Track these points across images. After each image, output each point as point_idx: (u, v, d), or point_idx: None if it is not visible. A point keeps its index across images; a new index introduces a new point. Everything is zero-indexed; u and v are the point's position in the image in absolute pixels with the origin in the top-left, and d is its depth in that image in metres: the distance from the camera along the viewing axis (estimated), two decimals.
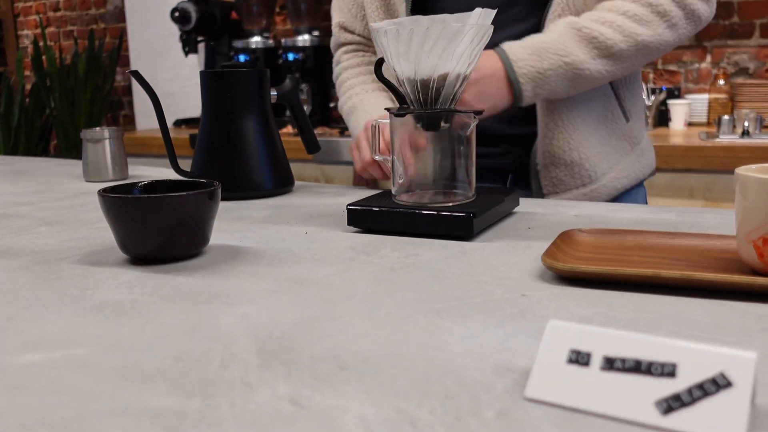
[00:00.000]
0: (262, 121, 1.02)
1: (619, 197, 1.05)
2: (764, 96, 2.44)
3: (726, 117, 2.21)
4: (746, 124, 2.12)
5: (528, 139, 1.03)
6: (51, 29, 4.04)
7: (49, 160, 1.56)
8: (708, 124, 2.54)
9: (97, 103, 3.67)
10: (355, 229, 0.76)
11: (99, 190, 0.64)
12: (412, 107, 0.74)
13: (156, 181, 0.70)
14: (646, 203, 1.13)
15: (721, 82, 2.59)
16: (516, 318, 0.47)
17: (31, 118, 3.74)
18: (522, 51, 0.90)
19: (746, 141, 2.00)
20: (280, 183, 1.02)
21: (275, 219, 0.84)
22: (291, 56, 2.88)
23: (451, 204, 0.72)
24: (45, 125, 3.83)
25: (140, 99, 3.63)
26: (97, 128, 1.18)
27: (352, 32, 1.18)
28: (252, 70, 1.01)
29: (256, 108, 1.01)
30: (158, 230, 0.62)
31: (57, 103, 3.62)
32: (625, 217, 0.79)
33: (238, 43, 3.01)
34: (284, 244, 0.70)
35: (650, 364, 0.33)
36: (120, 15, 3.80)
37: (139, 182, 0.70)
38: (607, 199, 1.03)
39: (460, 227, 0.70)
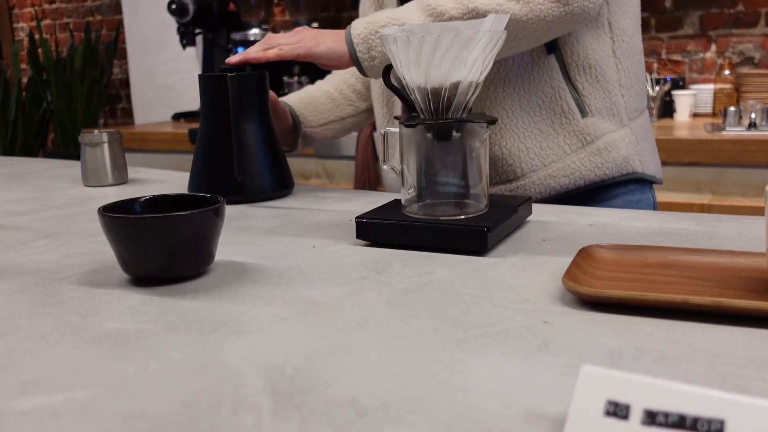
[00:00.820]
0: (262, 124, 0.99)
1: (590, 199, 1.01)
2: None
3: (732, 108, 2.18)
4: (753, 115, 2.09)
5: None
6: (47, 21, 3.99)
7: (47, 161, 1.53)
8: (713, 114, 2.52)
9: (94, 96, 3.63)
10: (364, 242, 0.73)
11: (99, 209, 0.61)
12: (422, 116, 0.71)
13: (157, 196, 0.68)
14: (655, 207, 1.10)
15: (727, 72, 2.56)
16: (540, 350, 0.45)
17: (28, 113, 3.71)
18: (362, 20, 0.92)
19: (754, 133, 1.98)
20: (281, 186, 1.00)
21: (280, 230, 0.81)
22: None
23: (463, 217, 0.70)
24: (42, 119, 3.80)
25: (138, 92, 3.59)
26: (96, 131, 1.15)
27: None
28: (252, 73, 0.98)
29: (256, 111, 0.99)
30: (161, 251, 0.60)
31: (54, 97, 3.58)
32: (641, 227, 0.77)
33: (236, 36, 2.97)
34: (291, 260, 0.68)
35: (696, 420, 0.31)
36: (116, 7, 3.76)
37: (140, 198, 0.67)
38: (539, 198, 1.00)
39: (473, 242, 0.67)
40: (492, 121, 0.68)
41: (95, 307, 0.56)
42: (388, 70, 0.75)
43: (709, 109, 2.53)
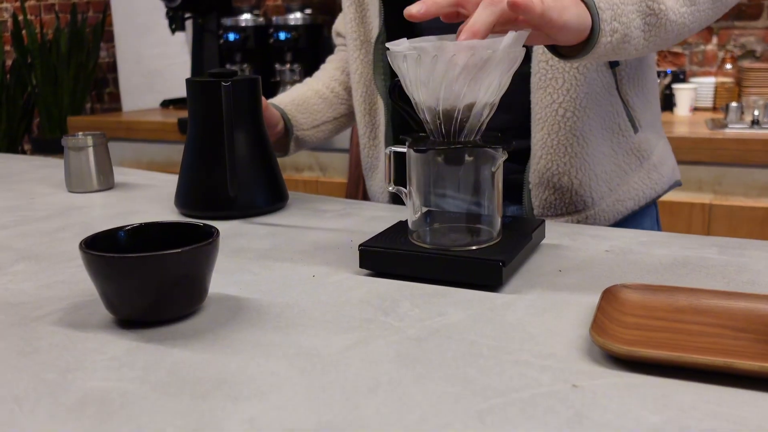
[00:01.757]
0: (255, 133, 0.94)
1: (624, 221, 0.96)
2: None
3: (734, 104, 2.14)
4: (756, 112, 2.05)
5: (522, 155, 0.94)
6: (31, 2, 3.88)
7: (29, 159, 1.47)
8: (714, 109, 2.47)
9: (80, 80, 3.54)
10: (368, 271, 0.68)
11: (81, 244, 0.56)
12: (432, 137, 0.66)
13: (144, 224, 0.62)
14: (658, 224, 1.05)
15: (728, 66, 2.51)
16: (572, 426, 0.40)
17: (13, 96, 3.61)
18: None
19: (757, 132, 1.93)
20: (276, 200, 0.95)
21: (277, 253, 0.76)
22: (282, 35, 2.77)
23: (475, 247, 0.65)
24: (27, 103, 3.70)
25: (125, 76, 3.50)
26: (80, 134, 1.09)
27: (343, 36, 1.15)
28: (245, 78, 0.92)
29: (249, 120, 0.93)
30: (149, 292, 0.54)
31: (39, 81, 3.49)
32: (662, 255, 0.72)
33: (227, 21, 2.89)
34: (290, 295, 0.63)
35: None
36: None
37: (125, 226, 0.62)
38: (607, 224, 0.94)
39: (487, 276, 0.62)
40: (508, 146, 0.63)
41: (77, 358, 0.51)
42: (394, 87, 0.70)
43: (709, 104, 2.49)
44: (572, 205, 0.92)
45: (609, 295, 0.57)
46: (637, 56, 0.79)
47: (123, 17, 3.45)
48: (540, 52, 0.86)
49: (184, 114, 2.78)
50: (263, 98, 0.99)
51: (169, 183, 1.17)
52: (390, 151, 0.70)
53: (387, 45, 0.63)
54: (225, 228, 0.87)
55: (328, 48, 2.77)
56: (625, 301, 0.57)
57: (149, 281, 0.54)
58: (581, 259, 0.71)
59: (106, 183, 1.11)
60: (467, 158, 0.65)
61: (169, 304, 0.56)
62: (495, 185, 0.66)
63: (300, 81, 2.82)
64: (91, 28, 3.62)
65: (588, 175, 0.91)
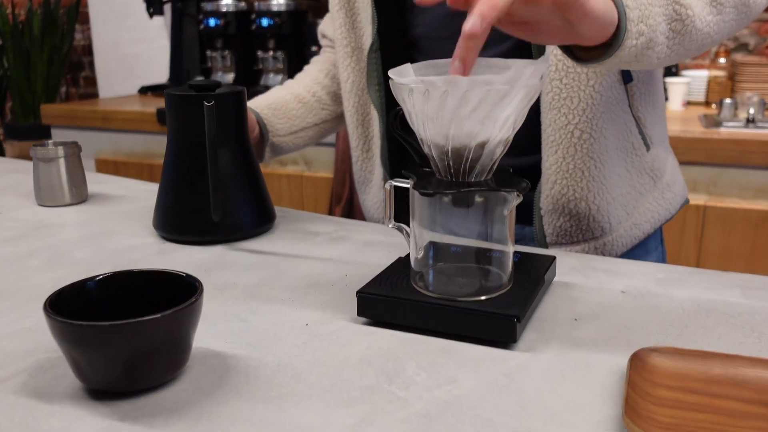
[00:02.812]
0: (240, 150, 0.87)
1: (637, 245, 0.91)
2: (766, 77, 2.32)
3: (728, 100, 2.10)
4: (751, 111, 2.01)
5: (531, 173, 0.88)
6: None
7: None
8: (707, 104, 2.43)
9: (54, 64, 3.42)
10: (366, 320, 0.63)
11: (45, 304, 0.49)
12: (438, 174, 0.60)
13: (118, 273, 0.56)
14: (662, 245, 0.99)
15: (722, 60, 2.47)
16: None
17: None
18: None
19: (753, 131, 1.89)
20: (262, 222, 0.88)
21: (266, 290, 0.70)
22: (265, 21, 2.67)
23: (485, 297, 0.59)
24: (0, 87, 3.58)
25: (102, 60, 3.39)
26: (50, 144, 1.01)
27: (331, 39, 1.09)
28: (228, 93, 0.85)
29: (233, 137, 0.86)
30: (125, 361, 0.48)
31: (11, 64, 3.36)
32: (682, 298, 0.67)
33: (207, 6, 2.79)
34: (282, 351, 0.57)
35: None
36: None
37: (95, 276, 0.55)
38: (622, 252, 0.89)
39: (500, 332, 0.57)
40: (523, 190, 0.57)
41: None
42: (395, 116, 0.64)
43: (702, 98, 2.44)
44: (589, 232, 0.86)
45: (637, 363, 0.51)
46: (655, 66, 0.72)
47: None
48: (552, 70, 0.80)
49: (162, 102, 2.69)
50: None
51: (145, 194, 1.10)
52: (390, 186, 0.64)
53: (390, 75, 0.57)
54: (208, 255, 0.80)
55: (312, 35, 2.69)
56: (654, 368, 0.51)
57: (124, 350, 0.48)
58: (596, 304, 0.66)
59: (79, 196, 1.03)
60: (477, 199, 0.59)
61: (147, 373, 0.50)
62: (507, 228, 0.60)
63: (283, 69, 2.75)
64: (66, 10, 3.49)
65: (606, 200, 0.86)
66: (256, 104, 1.03)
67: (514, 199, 0.58)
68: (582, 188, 0.84)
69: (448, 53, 0.91)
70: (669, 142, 0.99)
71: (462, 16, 0.90)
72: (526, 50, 0.82)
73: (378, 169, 0.99)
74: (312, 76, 1.10)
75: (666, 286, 0.70)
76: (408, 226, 0.64)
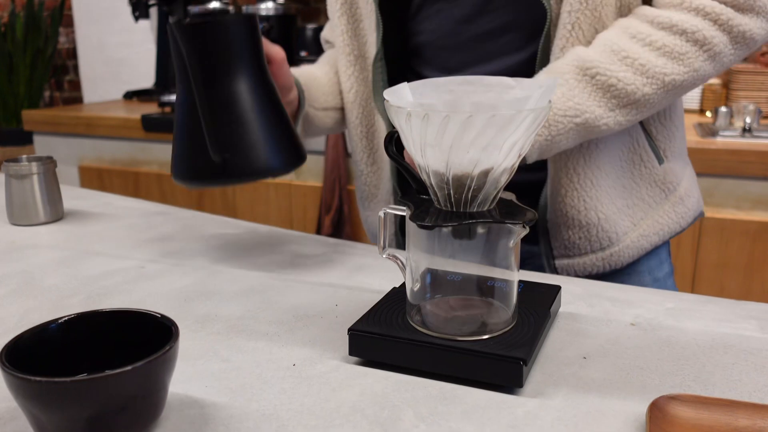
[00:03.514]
0: (257, 80, 0.76)
1: (640, 258, 0.88)
2: (761, 85, 2.30)
3: (723, 108, 2.06)
4: (747, 119, 1.98)
5: (533, 188, 0.86)
6: None
7: None
8: (701, 111, 2.40)
9: (38, 68, 3.35)
10: (358, 359, 0.58)
11: (0, 354, 0.44)
12: (437, 204, 0.55)
13: (84, 314, 0.51)
14: (669, 259, 0.96)
15: None
16: None
17: None
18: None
19: (749, 141, 1.86)
20: (291, 159, 0.77)
21: (250, 323, 0.65)
22: None
23: (487, 336, 0.55)
24: None
25: (87, 64, 3.32)
26: (24, 160, 0.96)
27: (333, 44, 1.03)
28: (237, 16, 0.75)
29: (248, 65, 0.75)
30: (90, 420, 0.43)
31: None
32: (696, 332, 0.63)
33: (194, 9, 2.73)
34: (267, 397, 0.52)
35: None
36: None
37: (59, 319, 0.50)
38: (628, 263, 0.87)
39: (505, 377, 0.52)
40: (529, 222, 0.52)
41: None
42: (391, 138, 0.59)
43: (696, 106, 2.41)
44: (597, 243, 0.84)
45: (656, 413, 0.47)
46: (621, 128, 0.76)
47: (83, 2, 3.26)
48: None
49: (148, 108, 2.63)
50: (280, 51, 0.82)
51: (125, 210, 1.05)
52: (384, 214, 0.59)
53: (386, 96, 0.52)
54: (190, 282, 0.75)
55: (302, 39, 2.63)
56: (675, 419, 0.47)
57: (89, 408, 0.43)
58: (606, 339, 0.61)
59: (54, 214, 0.98)
60: (479, 231, 0.54)
61: (116, 430, 0.45)
62: (512, 259, 0.56)
63: None
64: (49, 12, 3.43)
65: (611, 209, 0.84)
66: (293, 71, 0.94)
67: (520, 231, 0.53)
68: (591, 198, 0.82)
69: (453, 63, 0.87)
70: (689, 157, 0.96)
71: (468, 24, 0.85)
72: (542, 58, 0.80)
73: (385, 184, 0.95)
74: (333, 66, 1.01)
75: (677, 318, 0.66)
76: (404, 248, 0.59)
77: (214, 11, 0.74)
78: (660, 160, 0.87)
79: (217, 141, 0.72)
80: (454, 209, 0.54)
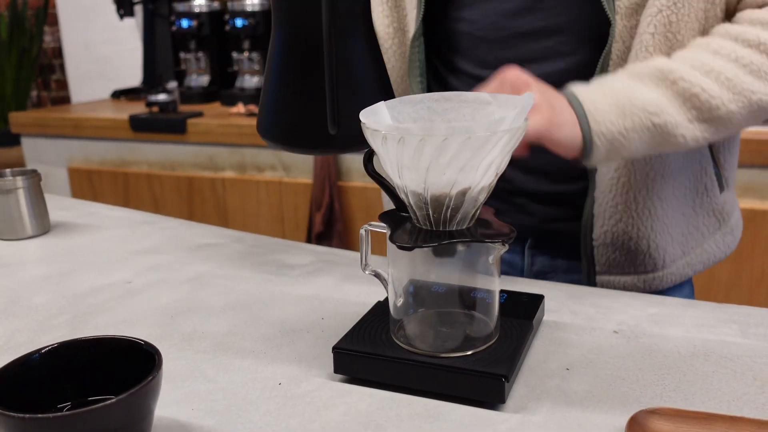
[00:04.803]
0: (363, 46, 0.67)
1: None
2: None
3: None
4: None
5: (577, 200, 0.82)
6: None
7: None
8: None
9: (24, 68, 3.32)
10: (343, 377, 0.58)
11: None
12: (417, 222, 0.55)
13: (66, 343, 0.51)
14: (691, 279, 0.95)
15: None
16: None
17: None
18: (602, 100, 0.67)
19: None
20: None
21: (236, 340, 0.65)
22: (239, 22, 2.61)
23: (470, 352, 0.55)
24: None
25: (73, 63, 3.30)
26: (8, 174, 0.96)
27: None
28: None
29: (354, 30, 0.66)
30: None
31: None
32: (678, 338, 0.63)
33: (179, 6, 2.71)
34: (252, 421, 0.52)
35: None
36: None
37: (42, 349, 0.50)
38: (667, 287, 0.85)
39: (487, 393, 0.53)
40: (508, 239, 0.53)
41: None
42: (369, 157, 0.59)
43: None
44: (642, 266, 0.82)
45: (635, 428, 0.47)
46: (712, 140, 0.72)
47: (67, 0, 3.23)
48: None
49: (135, 107, 2.62)
50: None
51: (112, 221, 1.05)
52: (366, 231, 0.60)
53: (362, 118, 0.52)
54: (176, 297, 0.76)
55: None
56: None
57: None
58: (589, 348, 0.62)
59: (41, 227, 0.98)
60: (459, 248, 0.55)
61: None
62: (494, 274, 0.56)
63: (259, 70, 2.69)
64: (34, 11, 3.40)
65: (665, 238, 0.81)
66: None
67: (500, 248, 0.54)
68: (646, 227, 0.80)
69: (490, 58, 0.83)
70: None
71: (515, 20, 0.79)
72: (589, 68, 0.77)
73: None
74: None
75: (660, 324, 0.66)
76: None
77: None
78: (721, 189, 0.85)
79: (337, 111, 0.64)
80: (434, 228, 0.54)
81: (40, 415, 0.42)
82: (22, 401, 0.47)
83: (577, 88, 0.69)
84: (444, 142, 0.48)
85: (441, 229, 0.54)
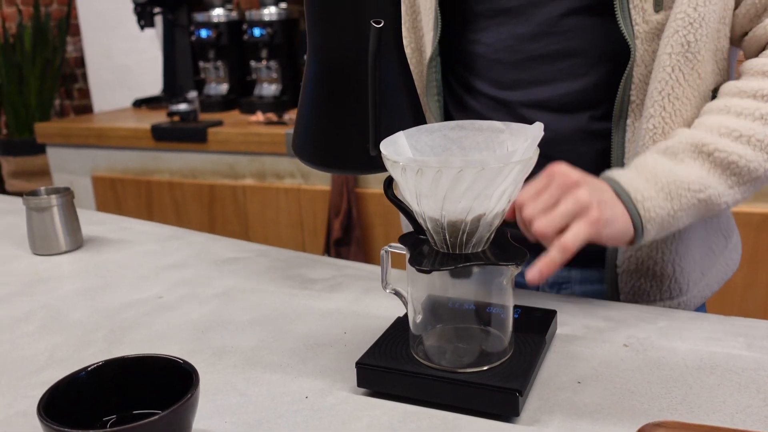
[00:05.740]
0: (402, 61, 0.69)
1: None
2: None
3: None
4: None
5: None
6: None
7: None
8: None
9: (47, 78, 3.41)
10: (366, 390, 0.62)
11: (38, 408, 0.48)
12: (434, 245, 0.59)
13: (109, 362, 0.55)
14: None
15: None
16: None
17: None
18: (647, 187, 0.70)
19: None
20: None
21: (264, 355, 0.69)
22: (257, 32, 2.65)
23: (486, 367, 0.58)
24: None
25: (95, 72, 3.37)
26: (43, 192, 1.00)
27: None
28: None
29: (395, 43, 0.68)
30: None
31: (3, 80, 3.34)
32: (685, 351, 0.66)
33: (198, 17, 2.77)
34: (282, 431, 0.56)
35: None
36: None
37: (88, 367, 0.54)
38: (692, 309, 0.86)
39: (502, 407, 0.56)
40: (521, 261, 0.56)
41: None
42: (390, 183, 0.63)
43: None
44: (667, 292, 0.83)
45: None
46: (748, 196, 0.75)
47: (89, 10, 3.30)
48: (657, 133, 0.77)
49: (157, 116, 2.67)
50: None
51: (143, 236, 1.09)
52: (386, 252, 0.63)
53: (382, 149, 0.56)
54: (204, 312, 0.80)
55: (304, 44, 2.66)
56: None
57: None
58: (599, 361, 0.65)
59: (74, 243, 1.02)
60: (475, 270, 0.58)
61: None
62: (508, 292, 0.60)
63: (277, 78, 2.73)
64: (56, 22, 3.47)
65: (688, 261, 0.83)
66: None
67: (513, 270, 0.57)
68: (671, 251, 0.81)
69: (506, 80, 0.85)
70: None
71: (530, 44, 0.81)
72: (603, 88, 0.79)
73: None
74: None
75: (668, 337, 0.69)
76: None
77: None
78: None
79: (380, 133, 0.62)
80: (450, 251, 0.57)
81: (90, 431, 0.46)
82: (70, 415, 0.50)
83: (621, 177, 0.71)
84: (459, 173, 0.51)
85: (457, 252, 0.57)
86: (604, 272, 0.84)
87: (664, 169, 0.71)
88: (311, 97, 0.69)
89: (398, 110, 0.68)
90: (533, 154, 0.54)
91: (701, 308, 0.95)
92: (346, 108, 0.66)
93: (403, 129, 0.61)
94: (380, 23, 0.61)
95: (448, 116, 0.91)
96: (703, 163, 0.71)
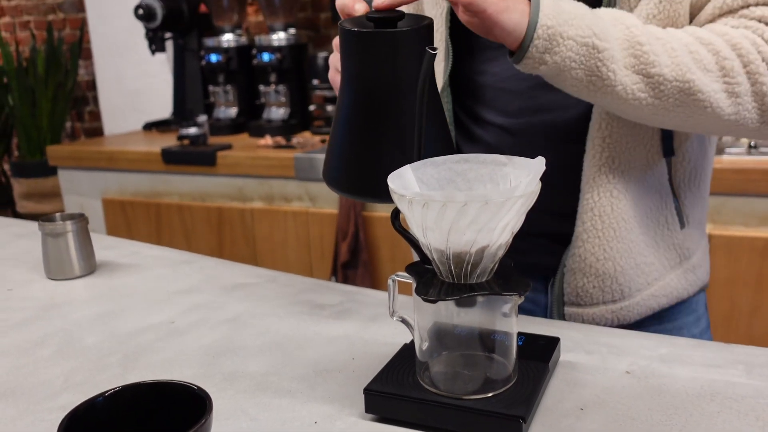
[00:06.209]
0: (433, 89, 0.71)
1: (661, 315, 0.92)
2: None
3: None
4: None
5: (560, 240, 0.89)
6: (5, 19, 3.78)
7: (6, 225, 1.39)
8: None
9: (59, 101, 3.46)
10: (374, 416, 0.63)
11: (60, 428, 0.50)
12: (439, 275, 0.61)
13: (126, 387, 0.57)
14: (706, 313, 0.99)
15: None
16: None
17: None
18: (559, 4, 0.70)
19: (756, 158, 1.90)
20: None
21: (274, 380, 0.71)
22: (266, 56, 2.70)
23: (491, 394, 0.60)
24: (5, 124, 3.61)
25: (106, 96, 3.42)
26: (58, 219, 1.03)
27: None
28: (418, 27, 0.68)
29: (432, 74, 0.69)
30: None
31: (16, 103, 3.40)
32: (686, 379, 0.68)
33: (208, 42, 2.82)
34: None
35: None
36: (80, 3, 3.56)
37: (106, 392, 0.56)
38: (636, 319, 0.89)
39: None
40: (524, 291, 0.58)
41: None
42: (397, 214, 0.65)
43: None
44: (609, 294, 0.87)
45: None
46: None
47: (101, 34, 3.36)
48: (604, 129, 0.82)
49: (167, 139, 2.71)
50: None
51: (152, 260, 1.11)
52: (393, 281, 0.65)
53: (389, 183, 0.58)
54: (216, 338, 0.81)
55: (314, 68, 2.71)
56: None
57: None
58: (602, 389, 0.66)
59: (88, 267, 1.05)
60: (479, 299, 0.60)
61: None
62: (511, 320, 0.61)
63: (285, 102, 2.77)
64: (69, 46, 3.54)
65: (629, 263, 0.86)
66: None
67: (516, 300, 0.59)
68: (611, 248, 0.85)
69: (512, 108, 0.88)
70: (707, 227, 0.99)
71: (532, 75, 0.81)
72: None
73: None
74: None
75: (670, 364, 0.71)
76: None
77: (390, 16, 0.67)
78: (682, 225, 0.89)
79: (422, 159, 0.63)
80: (455, 281, 0.59)
81: None
82: None
83: None
84: (464, 207, 0.53)
85: (462, 282, 0.59)
86: (554, 279, 0.88)
87: (586, 10, 0.72)
88: (346, 125, 0.70)
89: (436, 138, 0.70)
90: (535, 188, 0.56)
91: (705, 331, 0.97)
92: (382, 136, 0.68)
93: (438, 156, 0.62)
94: (435, 50, 0.63)
95: (458, 146, 0.94)
96: (616, 29, 0.72)
